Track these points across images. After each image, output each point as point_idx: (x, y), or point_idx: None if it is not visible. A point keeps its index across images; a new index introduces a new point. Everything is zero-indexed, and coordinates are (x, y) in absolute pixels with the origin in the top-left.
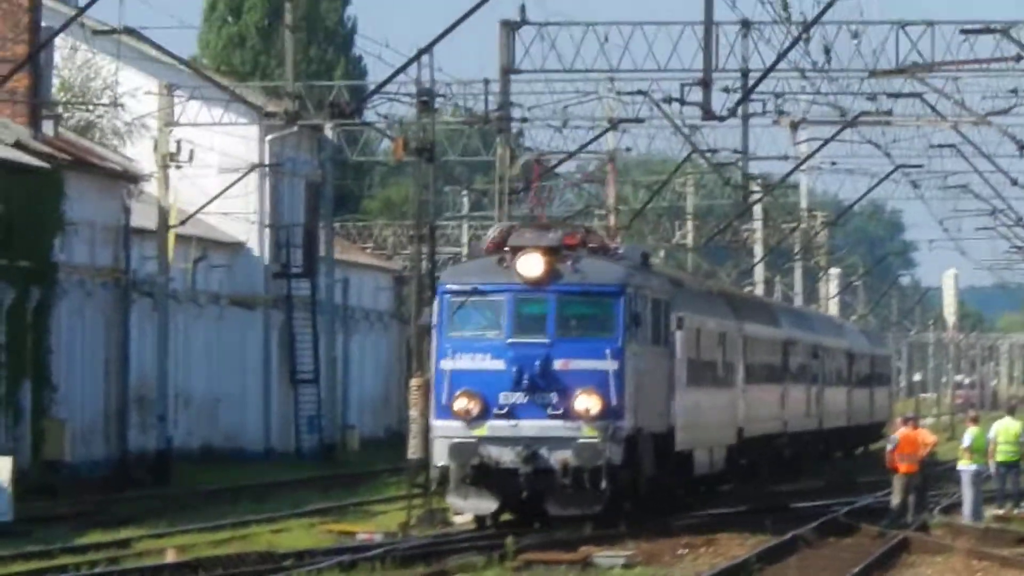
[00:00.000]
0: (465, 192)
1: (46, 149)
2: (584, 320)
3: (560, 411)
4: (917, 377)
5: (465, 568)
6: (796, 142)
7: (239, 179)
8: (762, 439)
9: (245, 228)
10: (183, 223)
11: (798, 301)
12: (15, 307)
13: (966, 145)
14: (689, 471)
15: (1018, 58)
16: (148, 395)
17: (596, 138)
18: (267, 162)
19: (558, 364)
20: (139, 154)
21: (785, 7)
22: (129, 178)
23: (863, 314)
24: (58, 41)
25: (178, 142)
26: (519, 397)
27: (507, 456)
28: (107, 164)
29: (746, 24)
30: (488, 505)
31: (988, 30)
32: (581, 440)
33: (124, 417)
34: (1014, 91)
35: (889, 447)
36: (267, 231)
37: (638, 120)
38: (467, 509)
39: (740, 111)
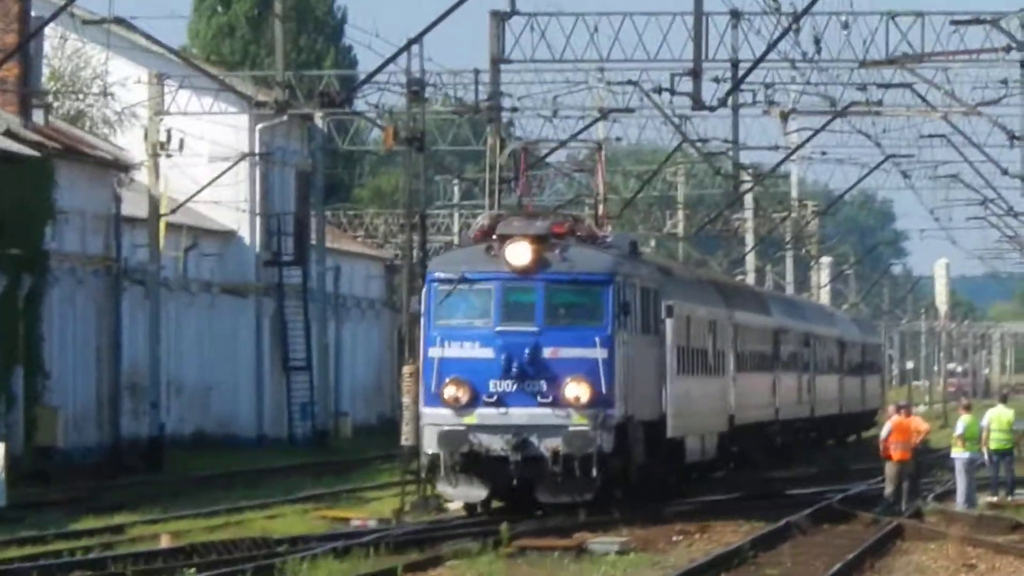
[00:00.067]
0: (456, 181)
1: (36, 138)
2: (573, 308)
3: (549, 399)
4: (909, 365)
5: (459, 554)
6: (786, 132)
7: (229, 168)
8: (754, 427)
9: (236, 216)
10: (174, 212)
11: (789, 290)
12: (7, 295)
13: (956, 135)
14: (681, 459)
15: (1008, 49)
16: (140, 382)
17: (586, 128)
18: (257, 151)
19: (547, 352)
20: (129, 143)
21: None
22: (120, 167)
23: (855, 303)
24: (48, 30)
25: (168, 131)
26: (508, 385)
27: (497, 444)
28: (97, 153)
29: (736, 14)
30: (478, 493)
31: (978, 21)
32: (571, 428)
33: (116, 404)
34: (1004, 81)
35: (883, 435)
36: (258, 219)
37: (628, 110)
38: (457, 497)
39: (730, 101)
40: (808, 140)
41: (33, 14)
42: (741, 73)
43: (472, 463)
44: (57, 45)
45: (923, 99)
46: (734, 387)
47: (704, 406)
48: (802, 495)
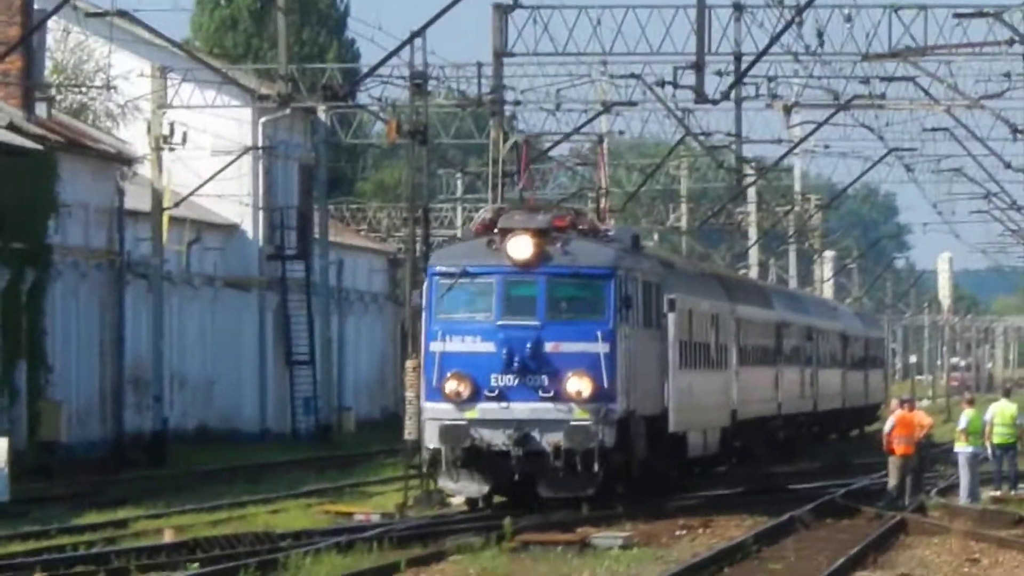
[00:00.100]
0: (459, 175)
1: (39, 131)
2: (574, 302)
3: (551, 393)
4: (913, 360)
5: (462, 549)
6: (789, 125)
7: (232, 161)
8: (756, 421)
9: (239, 210)
10: (177, 205)
11: (792, 284)
12: (10, 288)
13: (959, 129)
14: (683, 453)
15: (1011, 42)
16: (143, 376)
17: (589, 121)
18: (260, 144)
19: (549, 346)
20: (132, 136)
21: None
22: (122, 160)
23: (858, 297)
24: (51, 23)
25: (171, 124)
26: (510, 379)
27: (498, 438)
28: (100, 146)
29: (739, 7)
30: (479, 488)
31: (981, 14)
32: (573, 422)
33: (120, 398)
34: (1007, 75)
35: (886, 429)
36: (261, 213)
37: (631, 103)
38: (458, 492)
39: (733, 94)
40: (811, 134)
41: (36, 7)
42: (744, 66)
43: (473, 458)
44: (60, 38)
45: (926, 92)
46: (736, 381)
47: (706, 400)
48: (805, 490)
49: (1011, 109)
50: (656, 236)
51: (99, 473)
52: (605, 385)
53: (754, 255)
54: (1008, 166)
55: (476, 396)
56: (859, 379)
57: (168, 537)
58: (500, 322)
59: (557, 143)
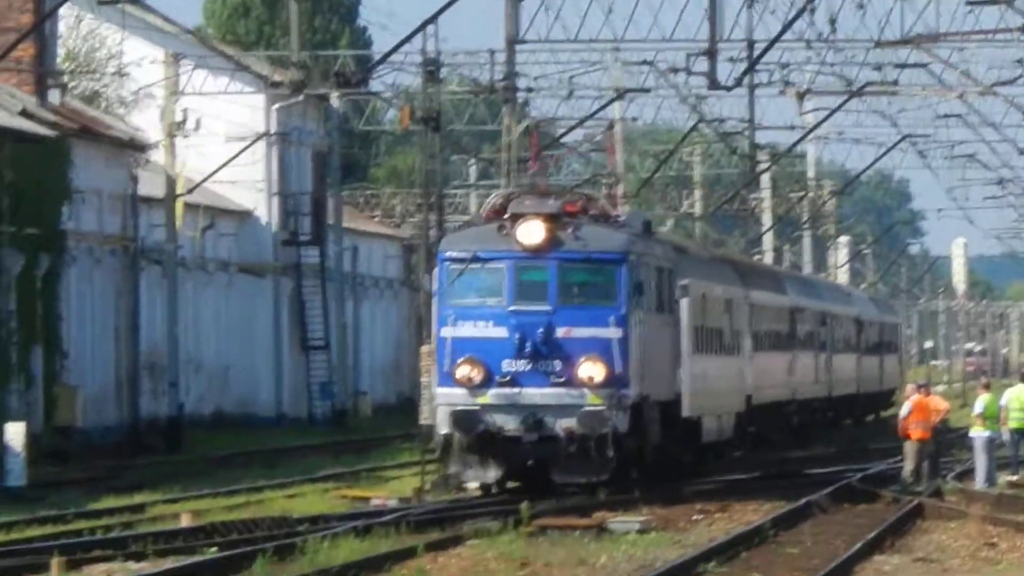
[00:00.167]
0: (472, 161)
1: (52, 118)
2: (586, 288)
3: (564, 379)
4: (928, 345)
5: (480, 533)
6: (802, 112)
7: (246, 148)
8: (771, 406)
9: (253, 196)
10: (190, 191)
11: (807, 270)
12: (24, 274)
13: (972, 115)
14: (697, 438)
15: (1023, 28)
16: (159, 362)
17: (602, 108)
18: (274, 131)
19: (561, 332)
20: (145, 123)
21: None
22: (136, 147)
23: (872, 282)
24: (63, 11)
25: (184, 111)
26: (522, 365)
27: (511, 424)
28: (113, 133)
29: None
30: (492, 473)
31: (993, 1)
32: (586, 408)
33: (135, 383)
34: (1020, 61)
35: (902, 414)
36: (275, 199)
37: (644, 90)
38: (471, 478)
39: (746, 81)
40: (824, 120)
41: None
42: (757, 53)
43: (486, 443)
44: (72, 25)
45: (939, 79)
46: (751, 366)
47: (720, 386)
48: (821, 474)
49: None
50: (670, 222)
51: (115, 458)
52: (618, 370)
53: (768, 241)
54: (1022, 152)
55: (488, 381)
56: (874, 364)
57: (185, 522)
58: (512, 307)
59: (570, 130)
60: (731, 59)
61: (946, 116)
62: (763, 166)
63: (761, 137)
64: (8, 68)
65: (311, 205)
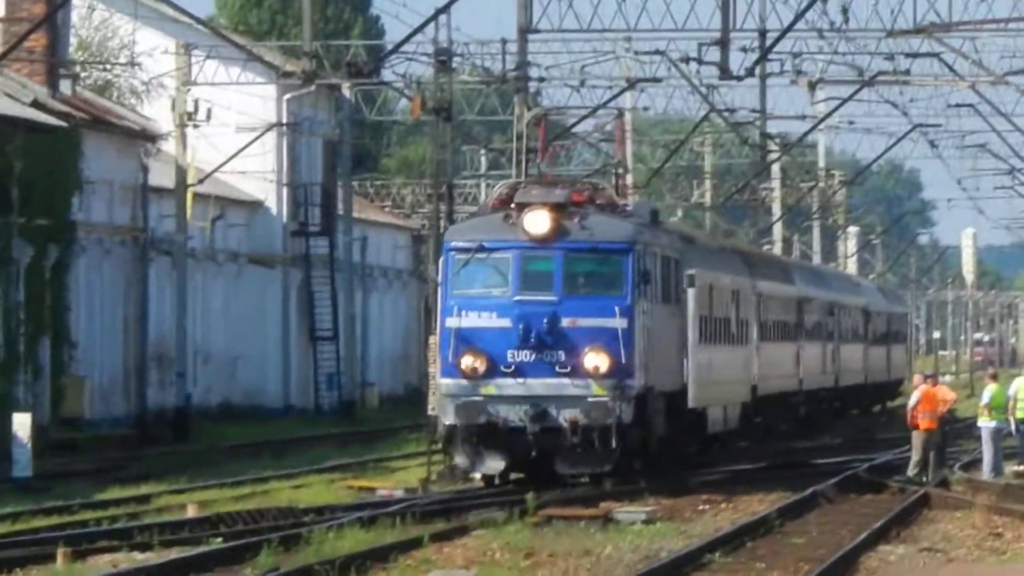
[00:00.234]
0: (483, 151)
1: (64, 108)
2: (592, 277)
3: (568, 369)
4: (936, 335)
5: (486, 523)
6: (814, 102)
7: (256, 138)
8: (777, 396)
9: (263, 187)
10: (201, 182)
11: (816, 260)
12: (34, 265)
13: (984, 105)
14: (703, 429)
15: None
16: (167, 352)
17: (614, 98)
18: (285, 121)
19: (566, 322)
20: (156, 113)
21: None
22: (147, 137)
23: (882, 272)
24: (75, 0)
25: (195, 101)
26: (526, 355)
27: (515, 415)
28: (125, 123)
29: None
30: (496, 464)
31: None
32: (590, 398)
33: (143, 374)
34: None
35: (911, 404)
36: (285, 190)
37: (656, 80)
38: (475, 468)
39: (758, 71)
40: (835, 110)
41: None
42: (769, 43)
43: (490, 434)
44: (84, 15)
45: (951, 69)
46: (757, 357)
47: (726, 376)
48: (827, 465)
49: None
50: (680, 212)
51: (122, 449)
52: (623, 361)
53: (778, 231)
54: None
55: (492, 372)
56: (881, 354)
57: (191, 512)
58: (517, 297)
59: (581, 120)
60: (743, 49)
61: (957, 106)
62: (774, 156)
63: (772, 127)
64: (20, 58)
65: (321, 196)
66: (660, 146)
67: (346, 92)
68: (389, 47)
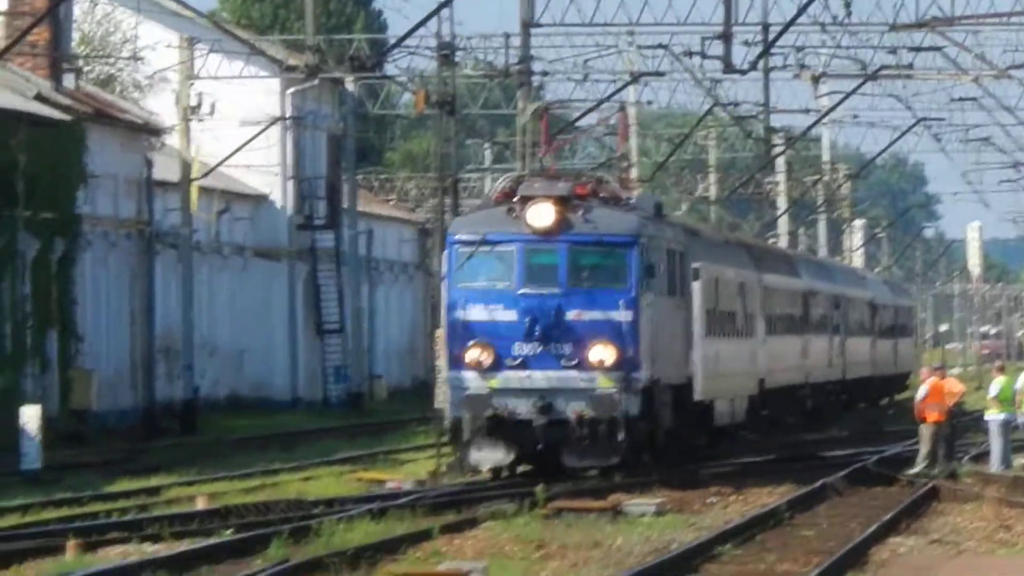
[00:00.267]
0: (487, 145)
1: (67, 102)
2: (596, 270)
3: (574, 362)
4: (943, 328)
5: (495, 516)
6: (817, 95)
7: (260, 132)
8: (784, 389)
9: (268, 180)
10: (205, 175)
11: (822, 253)
12: (40, 258)
13: (988, 98)
14: (709, 422)
15: None
16: (174, 345)
17: (617, 91)
18: (288, 115)
19: (571, 315)
20: (160, 107)
21: None
22: (150, 131)
23: (887, 265)
24: None
25: (199, 95)
26: (532, 348)
27: (521, 407)
28: (128, 117)
29: None
30: (503, 457)
31: None
32: (597, 391)
33: (150, 367)
34: None
35: (919, 397)
36: (290, 183)
37: (659, 74)
38: (481, 461)
39: (761, 64)
40: (839, 103)
41: None
42: (772, 36)
43: (496, 427)
44: (87, 9)
45: (954, 62)
46: (763, 350)
47: (733, 369)
48: (836, 457)
49: None
50: (685, 206)
51: (130, 441)
52: (629, 353)
53: (783, 225)
54: None
55: (498, 365)
56: (888, 347)
57: (201, 504)
58: (521, 291)
59: (584, 114)
60: (746, 42)
61: (961, 99)
62: (778, 150)
63: (776, 121)
64: (23, 52)
65: (326, 189)
66: (664, 140)
67: (349, 86)
68: (392, 41)
